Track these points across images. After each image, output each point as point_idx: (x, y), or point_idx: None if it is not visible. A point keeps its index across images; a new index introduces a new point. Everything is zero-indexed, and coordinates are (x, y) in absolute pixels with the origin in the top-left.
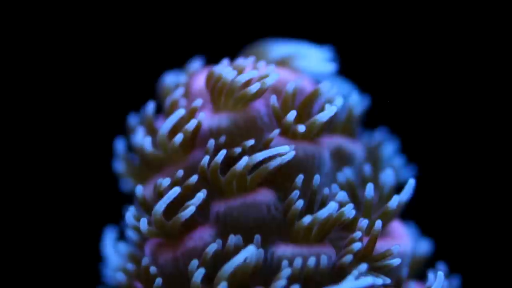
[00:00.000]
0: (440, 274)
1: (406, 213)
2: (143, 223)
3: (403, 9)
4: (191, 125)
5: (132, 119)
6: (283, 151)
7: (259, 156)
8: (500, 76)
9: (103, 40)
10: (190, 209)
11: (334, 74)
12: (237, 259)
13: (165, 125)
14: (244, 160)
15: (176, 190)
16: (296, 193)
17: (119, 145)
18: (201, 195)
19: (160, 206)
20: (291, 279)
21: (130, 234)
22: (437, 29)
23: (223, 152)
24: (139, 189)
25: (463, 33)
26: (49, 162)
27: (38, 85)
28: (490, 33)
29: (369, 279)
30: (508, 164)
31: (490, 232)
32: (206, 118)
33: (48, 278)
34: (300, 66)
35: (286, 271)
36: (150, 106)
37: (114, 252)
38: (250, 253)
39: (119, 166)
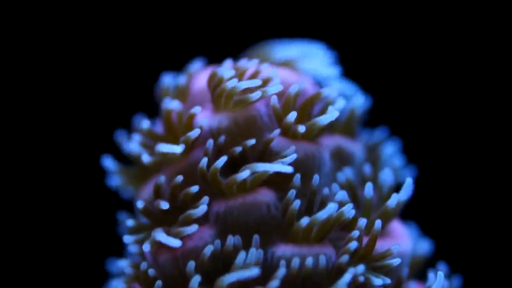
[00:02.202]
0: (440, 274)
1: (406, 213)
2: (146, 247)
3: (403, 9)
4: (194, 134)
5: (129, 127)
6: (285, 170)
7: (261, 167)
8: (500, 76)
9: (103, 41)
10: (194, 227)
11: (336, 76)
12: (240, 274)
13: (162, 147)
14: (246, 173)
15: (178, 243)
16: (292, 192)
17: (108, 162)
18: (204, 207)
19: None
20: (290, 280)
21: (131, 249)
22: (437, 29)
23: (223, 158)
24: (140, 203)
25: (463, 33)
26: (48, 164)
27: (38, 86)
28: (490, 33)
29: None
30: (508, 164)
31: (490, 232)
32: (207, 118)
33: (47, 281)
34: (303, 67)
35: (281, 271)
36: (145, 123)
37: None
38: (253, 273)
39: (115, 180)
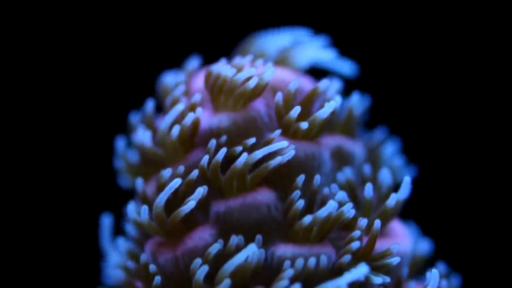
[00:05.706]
0: (435, 272)
1: (406, 213)
2: (144, 212)
3: (403, 8)
4: (189, 119)
5: (133, 118)
6: (282, 147)
7: (259, 153)
8: (500, 76)
9: (102, 40)
10: (190, 204)
11: (333, 57)
12: (239, 258)
13: (165, 121)
14: (244, 156)
15: (178, 181)
16: (297, 193)
17: (120, 143)
18: (201, 190)
19: (162, 198)
20: (291, 279)
21: (130, 229)
22: (437, 29)
23: (223, 151)
24: (140, 183)
25: (463, 33)
26: (49, 161)
27: (39, 85)
28: (490, 33)
29: (364, 269)
30: (508, 164)
31: (490, 232)
32: (206, 118)
33: (48, 278)
34: (298, 62)
35: (288, 272)
36: (150, 105)
37: (113, 247)
38: (251, 252)
39: (120, 164)
